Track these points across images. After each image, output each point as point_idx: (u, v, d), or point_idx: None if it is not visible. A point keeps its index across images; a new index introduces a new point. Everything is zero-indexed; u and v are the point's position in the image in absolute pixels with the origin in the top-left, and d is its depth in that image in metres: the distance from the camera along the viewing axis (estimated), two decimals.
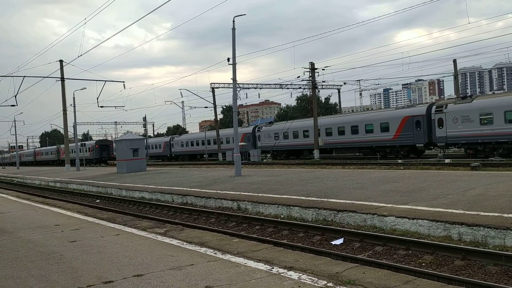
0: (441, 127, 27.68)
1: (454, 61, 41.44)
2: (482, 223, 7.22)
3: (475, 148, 26.72)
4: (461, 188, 11.11)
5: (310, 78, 39.90)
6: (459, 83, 41.49)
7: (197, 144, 56.86)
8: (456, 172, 16.20)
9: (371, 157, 33.73)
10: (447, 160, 25.87)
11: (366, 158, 33.89)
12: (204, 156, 55.17)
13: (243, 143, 43.58)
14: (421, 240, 7.39)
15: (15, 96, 37.51)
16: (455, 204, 9.02)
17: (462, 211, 8.23)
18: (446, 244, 7.06)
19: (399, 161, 27.71)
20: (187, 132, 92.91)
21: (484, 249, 6.63)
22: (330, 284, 4.54)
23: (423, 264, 6.69)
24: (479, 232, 7.14)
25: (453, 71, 41.81)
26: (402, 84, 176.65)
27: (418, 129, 29.56)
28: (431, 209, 8.68)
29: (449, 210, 8.40)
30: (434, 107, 29.27)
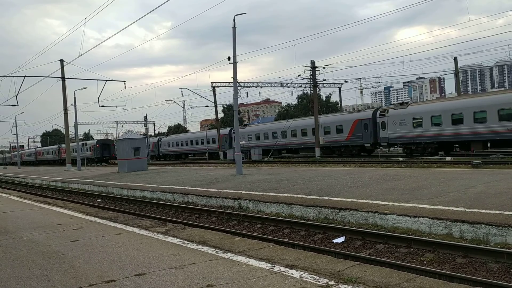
0: (383, 129, 31.71)
1: (455, 58, 41.39)
2: (483, 221, 7.21)
3: (410, 147, 30.66)
4: (462, 186, 11.10)
5: (311, 77, 39.88)
6: (460, 81, 41.43)
7: (182, 145, 61.02)
8: (457, 170, 16.19)
9: (372, 155, 34.46)
10: (448, 158, 25.89)
11: (368, 157, 34.13)
12: (189, 155, 59.85)
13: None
14: (423, 238, 7.38)
15: (16, 96, 37.58)
16: (456, 202, 9.01)
17: (463, 209, 8.23)
18: (448, 242, 7.06)
19: (400, 159, 27.89)
20: (188, 131, 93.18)
21: (485, 247, 6.63)
22: (331, 282, 4.54)
23: (425, 262, 6.69)
24: (481, 230, 7.14)
25: (454, 69, 41.75)
26: (403, 82, 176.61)
27: (366, 131, 33.74)
28: (433, 207, 8.68)
29: (451, 208, 8.40)
30: (378, 112, 33.29)
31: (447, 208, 8.46)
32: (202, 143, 51.74)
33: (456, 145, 29.47)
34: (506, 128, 23.96)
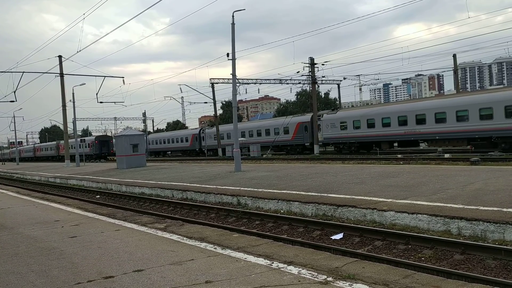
0: (319, 131, 37.37)
1: (454, 56, 41.40)
2: (481, 218, 7.23)
3: (339, 146, 36.58)
4: (460, 183, 11.12)
5: (310, 73, 39.84)
6: (459, 78, 41.45)
7: (160, 143, 64.35)
8: (455, 167, 16.22)
9: (371, 152, 34.78)
10: (446, 155, 25.94)
11: (366, 153, 34.33)
12: (168, 153, 63.93)
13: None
14: (421, 235, 7.40)
15: (14, 92, 37.51)
16: (454, 198, 9.03)
17: (461, 206, 8.25)
18: (446, 238, 7.08)
19: (399, 155, 27.96)
20: (187, 127, 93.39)
21: (483, 244, 6.65)
22: (329, 279, 4.56)
23: (423, 258, 6.71)
24: (478, 227, 7.16)
25: (453, 66, 41.76)
26: (402, 79, 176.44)
27: (306, 132, 39.29)
28: (431, 203, 8.70)
29: (449, 205, 8.42)
30: (313, 117, 39.24)
31: (445, 205, 8.48)
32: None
33: (374, 145, 34.69)
34: (403, 131, 30.61)
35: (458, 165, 17.93)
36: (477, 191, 9.68)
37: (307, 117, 40.20)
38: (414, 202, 9.03)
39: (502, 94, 25.93)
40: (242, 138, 44.76)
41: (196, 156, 53.97)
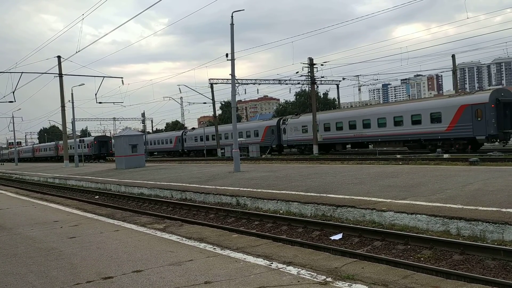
0: (285, 134, 41.99)
1: (453, 56, 41.43)
2: (480, 218, 7.23)
3: (301, 148, 40.58)
4: (459, 183, 11.13)
5: (309, 74, 39.85)
6: (458, 78, 41.48)
7: (150, 144, 66.62)
8: (454, 167, 16.23)
9: (369, 152, 35.01)
10: (445, 155, 25.97)
11: (366, 154, 34.41)
12: (155, 153, 67.35)
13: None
14: (420, 235, 7.40)
15: (13, 93, 37.44)
16: (453, 199, 9.04)
17: (460, 206, 8.25)
18: (445, 238, 7.08)
19: (398, 156, 28.00)
20: (186, 128, 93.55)
21: (482, 244, 6.65)
22: (329, 279, 4.56)
23: (422, 258, 6.71)
24: (478, 227, 7.16)
25: (452, 66, 41.79)
26: (401, 79, 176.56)
27: (273, 135, 43.62)
28: (430, 204, 8.70)
29: (448, 205, 8.43)
30: (281, 120, 44.00)
31: (444, 205, 8.48)
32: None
33: (330, 146, 38.59)
34: (352, 134, 34.95)
35: (457, 165, 17.94)
36: (476, 191, 9.69)
37: (273, 121, 45.69)
38: (413, 202, 9.03)
39: (428, 102, 30.72)
40: (226, 140, 47.91)
41: (179, 157, 58.11)
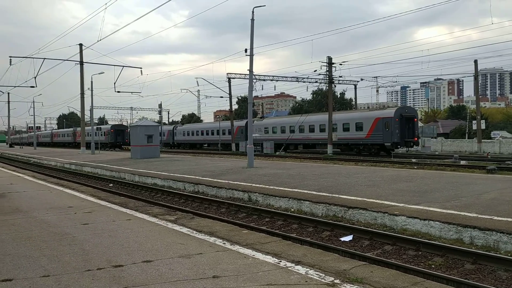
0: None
1: (475, 61, 40.67)
2: (495, 228, 7.12)
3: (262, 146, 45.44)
4: (475, 191, 10.96)
5: (327, 73, 39.60)
6: (479, 84, 40.77)
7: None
8: (471, 175, 15.98)
9: (384, 155, 34.81)
10: (462, 162, 25.59)
11: (380, 156, 34.18)
12: (204, 145, 67.46)
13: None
14: (432, 242, 7.32)
15: (35, 78, 38.08)
16: (468, 207, 8.91)
17: (475, 215, 8.13)
18: (457, 247, 6.98)
19: (413, 160, 27.75)
20: (201, 121, 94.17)
21: (495, 254, 6.55)
22: (337, 281, 4.54)
23: (433, 266, 6.63)
24: (491, 237, 7.05)
25: (474, 72, 41.06)
26: (421, 83, 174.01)
27: (242, 134, 48.85)
28: (444, 211, 8.59)
29: (462, 213, 8.31)
30: (247, 122, 49.11)
31: (458, 213, 8.36)
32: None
33: (286, 146, 43.49)
34: (301, 137, 42.04)
35: (474, 173, 17.66)
36: (492, 201, 9.53)
37: (243, 122, 51.09)
38: (427, 208, 8.93)
39: (354, 114, 38.37)
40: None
41: (176, 149, 63.65)
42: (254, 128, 43.50)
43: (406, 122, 34.14)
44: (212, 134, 57.16)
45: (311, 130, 41.68)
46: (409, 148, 36.53)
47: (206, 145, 62.61)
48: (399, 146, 34.98)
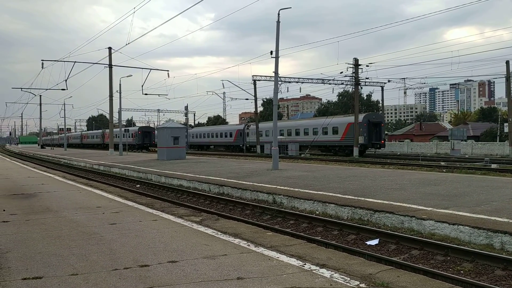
0: (248, 136, 53.51)
1: (507, 62, 39.46)
2: None
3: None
4: (506, 195, 10.62)
5: (353, 74, 39.19)
6: (511, 86, 39.60)
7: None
8: (502, 178, 15.50)
9: (412, 158, 34.20)
10: (493, 165, 24.85)
11: (408, 159, 33.59)
12: (211, 147, 71.29)
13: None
14: (461, 247, 7.13)
15: (66, 81, 39.19)
16: (499, 211, 8.64)
17: (506, 220, 7.88)
18: (487, 252, 6.78)
19: (442, 163, 27.15)
20: (227, 123, 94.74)
21: None
22: (362, 285, 4.48)
23: (462, 271, 6.46)
24: None
25: (505, 73, 39.83)
26: (450, 84, 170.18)
27: (241, 136, 54.92)
28: (474, 215, 8.36)
29: (493, 218, 8.07)
30: (246, 126, 56.69)
31: (489, 217, 8.12)
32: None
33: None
34: (289, 139, 45.00)
35: (505, 177, 17.12)
36: None
37: (241, 125, 58.31)
38: (456, 212, 8.71)
39: (332, 119, 42.44)
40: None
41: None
42: (252, 131, 50.59)
43: (374, 126, 39.52)
44: (217, 136, 60.94)
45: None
46: (376, 150, 41.79)
47: (212, 146, 65.68)
48: (367, 147, 40.16)
